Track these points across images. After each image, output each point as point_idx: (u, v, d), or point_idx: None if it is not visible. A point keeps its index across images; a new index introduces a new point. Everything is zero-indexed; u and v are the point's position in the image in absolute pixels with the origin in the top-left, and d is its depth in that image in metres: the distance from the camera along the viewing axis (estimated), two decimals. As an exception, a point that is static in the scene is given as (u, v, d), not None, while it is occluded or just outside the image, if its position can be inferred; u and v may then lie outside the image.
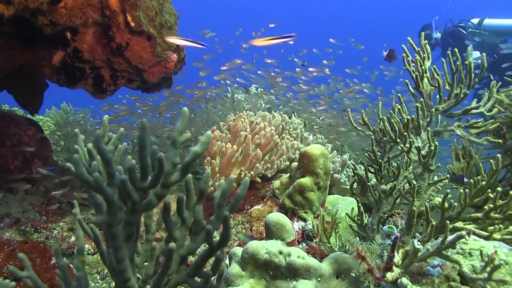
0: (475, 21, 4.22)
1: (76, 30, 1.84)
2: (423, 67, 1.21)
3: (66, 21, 1.73)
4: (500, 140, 1.21)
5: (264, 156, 1.92)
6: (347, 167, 2.03)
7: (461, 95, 1.16)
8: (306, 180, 1.52)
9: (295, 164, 1.67)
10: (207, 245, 0.71)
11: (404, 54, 1.24)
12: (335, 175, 1.94)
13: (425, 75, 1.20)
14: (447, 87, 1.19)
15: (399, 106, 1.21)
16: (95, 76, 2.04)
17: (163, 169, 0.60)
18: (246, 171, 1.83)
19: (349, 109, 1.33)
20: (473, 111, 1.17)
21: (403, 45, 1.28)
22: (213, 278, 0.81)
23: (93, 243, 1.70)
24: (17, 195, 1.91)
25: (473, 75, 1.14)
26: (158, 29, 2.01)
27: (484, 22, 4.14)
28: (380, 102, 1.34)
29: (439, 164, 1.11)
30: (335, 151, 2.11)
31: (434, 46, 4.56)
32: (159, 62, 2.06)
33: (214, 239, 0.71)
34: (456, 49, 1.20)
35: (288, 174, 1.73)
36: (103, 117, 0.73)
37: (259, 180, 1.86)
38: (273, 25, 4.36)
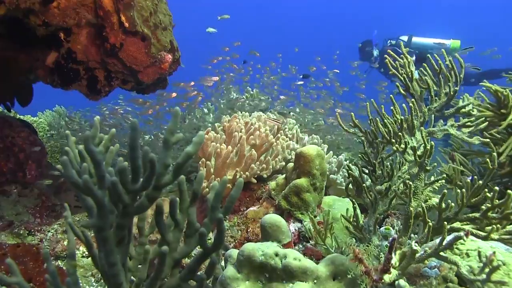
0: (405, 38, 4.49)
1: (70, 30, 1.82)
2: (410, 69, 1.22)
3: (59, 22, 1.71)
4: (488, 140, 1.23)
5: (260, 156, 1.91)
6: (343, 168, 2.02)
7: (451, 93, 1.16)
8: (302, 181, 1.51)
9: (291, 165, 1.66)
10: (201, 248, 0.69)
11: (387, 61, 1.26)
12: (331, 175, 1.93)
13: (414, 77, 1.22)
14: (435, 88, 1.20)
15: (391, 107, 1.22)
16: (89, 77, 2.02)
17: (155, 171, 0.58)
18: (242, 172, 1.82)
19: (337, 113, 1.34)
20: (463, 109, 1.18)
21: (386, 55, 1.31)
22: (208, 281, 0.80)
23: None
24: (10, 197, 1.88)
25: (457, 72, 1.16)
26: (153, 30, 1.99)
27: (412, 40, 4.45)
28: (368, 103, 1.34)
29: (435, 163, 1.10)
30: (331, 152, 2.10)
31: (375, 64, 4.70)
32: (154, 63, 2.04)
33: (209, 241, 0.70)
34: (435, 54, 1.23)
35: (284, 175, 1.71)
36: (95, 118, 0.71)
37: (254, 181, 1.85)
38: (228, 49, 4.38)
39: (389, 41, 4.62)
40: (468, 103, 1.18)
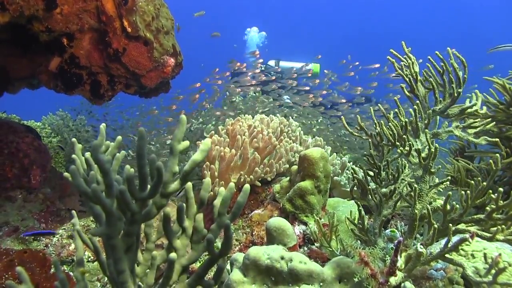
0: (272, 63, 4.81)
1: (73, 36, 1.83)
2: (415, 70, 1.21)
3: (62, 27, 1.72)
4: (497, 139, 1.22)
5: (263, 159, 1.91)
6: (347, 169, 2.03)
7: (455, 94, 1.16)
8: (307, 184, 1.51)
9: (295, 167, 1.66)
10: (208, 254, 0.70)
11: (393, 60, 1.26)
12: (335, 177, 1.93)
13: (418, 78, 1.21)
14: (440, 89, 1.20)
15: (396, 109, 1.21)
16: (92, 82, 2.03)
17: (162, 179, 0.59)
18: (246, 175, 1.82)
19: (343, 117, 1.34)
20: (469, 110, 1.17)
21: (388, 56, 1.31)
22: (215, 286, 0.80)
23: (92, 250, 1.68)
24: (16, 203, 1.89)
25: (460, 74, 1.16)
26: (155, 34, 2.00)
27: (280, 63, 4.78)
28: (372, 108, 1.34)
29: (440, 166, 1.11)
30: (335, 154, 2.10)
31: None
32: (157, 67, 2.05)
33: (215, 244, 0.70)
34: (437, 52, 1.23)
35: (288, 178, 1.72)
36: (101, 125, 0.72)
37: (259, 184, 1.85)
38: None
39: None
40: (473, 103, 1.18)
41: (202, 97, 3.30)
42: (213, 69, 3.50)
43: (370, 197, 1.20)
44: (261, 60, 4.06)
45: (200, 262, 1.54)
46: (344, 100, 3.71)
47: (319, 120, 3.26)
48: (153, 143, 3.06)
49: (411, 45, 1.28)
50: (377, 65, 4.02)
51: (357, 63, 4.21)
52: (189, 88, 3.34)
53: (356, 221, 1.21)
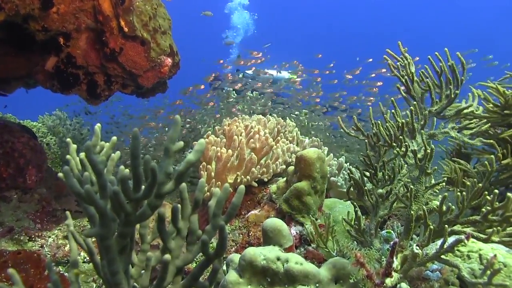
0: (250, 71, 4.72)
1: (69, 35, 1.82)
2: (411, 70, 1.21)
3: (59, 27, 1.71)
4: (491, 140, 1.22)
5: (260, 160, 1.91)
6: (343, 170, 2.03)
7: (452, 95, 1.16)
8: (303, 184, 1.51)
9: (291, 168, 1.66)
10: (203, 255, 0.69)
11: (390, 61, 1.25)
12: (332, 178, 1.93)
13: (414, 78, 1.21)
14: (437, 90, 1.20)
15: (393, 110, 1.21)
16: (89, 82, 2.02)
17: (156, 179, 0.59)
18: (242, 176, 1.82)
19: (339, 117, 1.34)
20: (465, 111, 1.17)
21: (385, 56, 1.29)
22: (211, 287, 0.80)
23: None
24: (11, 203, 1.88)
25: (459, 75, 1.16)
26: (152, 34, 1.99)
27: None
28: (371, 108, 1.34)
29: (436, 167, 1.10)
30: (331, 154, 2.10)
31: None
32: (154, 67, 2.04)
33: (211, 244, 0.70)
34: (437, 53, 1.22)
35: (285, 178, 1.71)
36: (95, 126, 0.71)
37: (255, 184, 1.85)
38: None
39: (239, 72, 4.86)
40: (469, 104, 1.18)
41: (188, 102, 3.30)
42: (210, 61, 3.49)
43: (366, 197, 1.20)
44: (263, 59, 4.03)
45: (196, 263, 1.54)
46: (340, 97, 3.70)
47: (318, 123, 3.26)
48: (151, 143, 3.05)
49: (407, 45, 1.27)
50: (383, 70, 4.00)
51: (360, 67, 4.20)
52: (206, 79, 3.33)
53: (352, 222, 1.21)
